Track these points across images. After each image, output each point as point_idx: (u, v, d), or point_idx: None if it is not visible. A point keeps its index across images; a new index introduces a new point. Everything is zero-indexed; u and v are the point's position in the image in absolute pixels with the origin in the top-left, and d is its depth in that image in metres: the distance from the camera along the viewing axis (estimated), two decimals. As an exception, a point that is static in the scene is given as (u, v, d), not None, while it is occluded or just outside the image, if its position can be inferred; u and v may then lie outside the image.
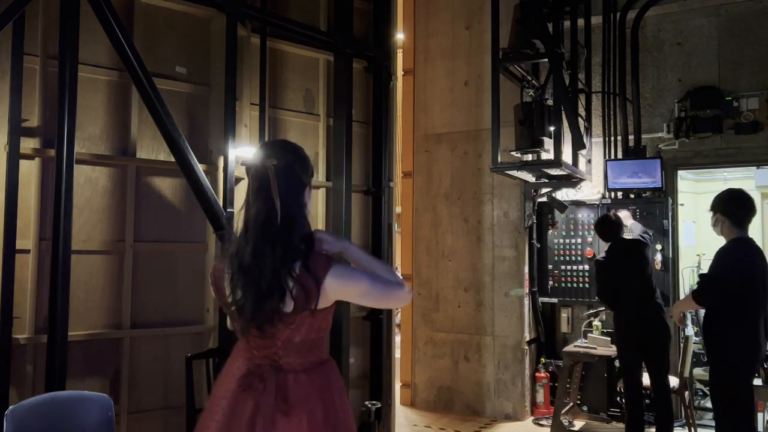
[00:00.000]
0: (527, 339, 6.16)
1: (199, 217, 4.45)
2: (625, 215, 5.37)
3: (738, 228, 3.70)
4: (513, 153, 5.39)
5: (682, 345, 5.28)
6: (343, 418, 1.86)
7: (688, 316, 5.98)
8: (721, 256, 3.70)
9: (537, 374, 6.21)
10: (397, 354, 6.15)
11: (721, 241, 3.82)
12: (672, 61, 6.00)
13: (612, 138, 6.16)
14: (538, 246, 6.30)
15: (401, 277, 1.85)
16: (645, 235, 5.06)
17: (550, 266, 6.25)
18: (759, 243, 3.86)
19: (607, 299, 4.86)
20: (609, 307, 5.00)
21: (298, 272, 1.74)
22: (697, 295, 3.76)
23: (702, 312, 5.79)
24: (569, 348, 5.61)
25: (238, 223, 1.84)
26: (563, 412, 5.55)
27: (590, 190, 6.24)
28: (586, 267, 6.06)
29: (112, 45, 4.00)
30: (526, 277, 6.21)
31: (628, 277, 4.77)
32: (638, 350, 4.73)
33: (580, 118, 5.85)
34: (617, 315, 4.85)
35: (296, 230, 1.79)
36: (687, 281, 6.09)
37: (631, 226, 5.22)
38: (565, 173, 5.53)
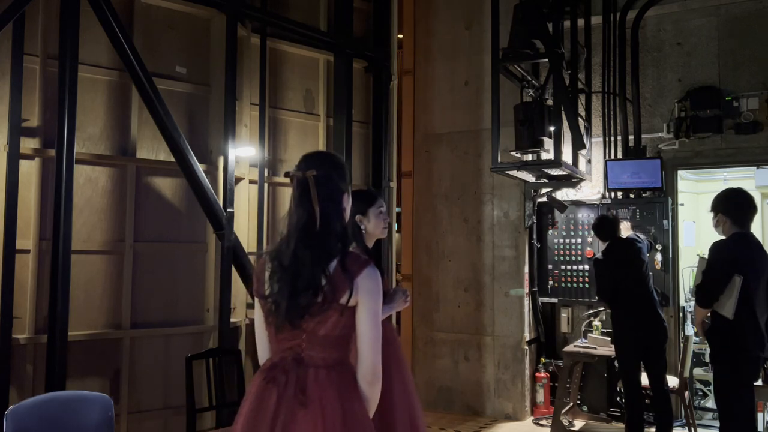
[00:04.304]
0: (527, 339, 6.16)
1: (199, 217, 4.45)
2: (625, 226, 5.36)
3: (739, 227, 3.71)
4: (513, 153, 5.38)
5: (682, 345, 5.28)
6: (363, 427, 1.88)
7: (688, 316, 5.99)
8: (714, 253, 3.70)
9: (537, 374, 6.21)
10: (397, 354, 6.13)
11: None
12: (672, 61, 5.99)
13: (612, 138, 6.16)
14: (538, 246, 6.29)
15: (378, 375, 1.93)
16: (639, 237, 5.09)
17: (550, 266, 6.25)
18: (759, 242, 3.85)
19: (607, 297, 4.87)
20: (608, 305, 5.00)
21: (332, 270, 1.88)
22: (698, 302, 3.76)
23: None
24: (569, 348, 5.61)
25: (282, 227, 2.00)
26: (563, 412, 5.55)
27: (590, 190, 6.24)
28: (586, 267, 6.05)
29: (112, 45, 4.01)
30: (526, 277, 6.21)
31: (625, 276, 4.77)
32: (636, 349, 4.73)
33: (580, 118, 5.85)
34: (615, 314, 4.85)
35: (333, 233, 1.93)
36: (687, 281, 6.09)
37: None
38: (565, 173, 5.53)
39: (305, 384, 1.86)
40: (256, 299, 2.03)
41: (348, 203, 2.05)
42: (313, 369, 1.88)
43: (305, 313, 1.87)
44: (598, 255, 5.01)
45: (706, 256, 3.79)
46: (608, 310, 5.36)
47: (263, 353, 2.04)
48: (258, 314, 2.04)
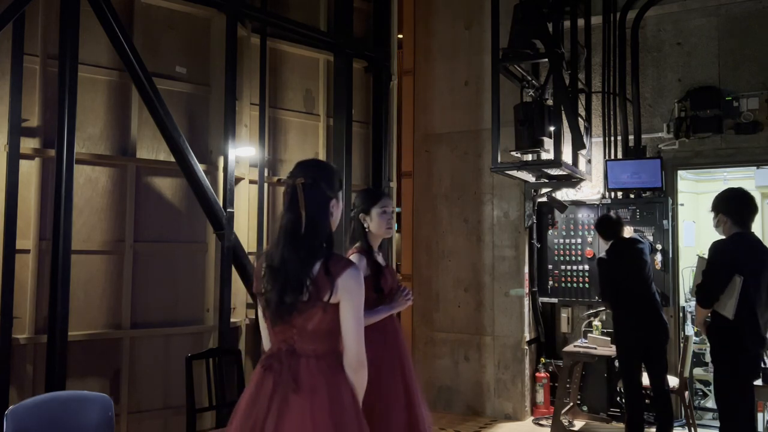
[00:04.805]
0: (527, 339, 6.16)
1: (199, 217, 4.45)
2: (627, 230, 5.35)
3: (739, 227, 3.70)
4: (513, 153, 5.38)
5: (682, 345, 5.28)
6: (349, 410, 2.05)
7: (688, 316, 5.99)
8: (714, 253, 3.70)
9: (537, 374, 6.21)
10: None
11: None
12: (672, 61, 5.99)
13: (612, 138, 6.16)
14: (538, 246, 6.29)
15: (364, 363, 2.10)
16: (642, 237, 5.10)
17: (550, 266, 6.25)
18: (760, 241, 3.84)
19: (610, 298, 4.85)
20: (611, 305, 4.97)
21: (316, 271, 2.06)
22: (699, 302, 3.76)
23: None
24: (569, 348, 5.61)
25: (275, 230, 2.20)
26: (563, 412, 5.55)
27: (590, 190, 6.24)
28: (586, 267, 6.06)
29: (112, 45, 4.01)
30: (526, 277, 6.21)
31: (627, 276, 4.77)
32: (637, 349, 4.72)
33: (580, 118, 5.85)
34: (616, 314, 4.85)
35: (318, 237, 2.11)
36: (687, 281, 6.09)
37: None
38: (565, 173, 5.53)
39: (297, 372, 2.05)
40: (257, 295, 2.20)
41: (337, 209, 2.21)
42: (304, 359, 2.07)
43: (293, 310, 2.05)
44: (602, 255, 4.99)
45: (706, 256, 3.79)
46: (609, 311, 5.35)
47: (266, 344, 2.25)
48: (259, 309, 2.23)
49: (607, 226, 4.94)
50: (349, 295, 2.05)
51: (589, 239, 6.06)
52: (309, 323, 2.06)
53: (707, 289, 3.69)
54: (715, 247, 3.71)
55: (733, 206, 3.72)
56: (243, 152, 4.76)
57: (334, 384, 2.05)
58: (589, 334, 5.68)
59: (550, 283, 6.23)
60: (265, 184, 4.98)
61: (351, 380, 2.08)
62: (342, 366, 2.08)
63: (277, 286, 2.07)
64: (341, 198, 2.25)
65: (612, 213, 5.10)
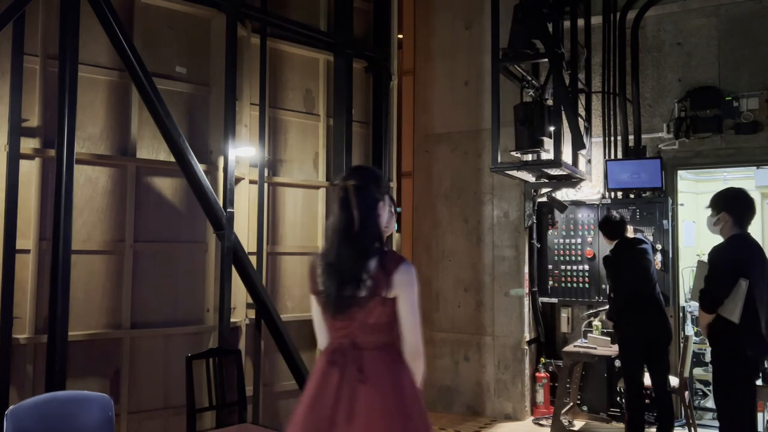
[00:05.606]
0: (527, 339, 6.16)
1: (199, 217, 4.45)
2: (630, 231, 5.35)
3: (739, 227, 3.69)
4: (513, 153, 5.39)
5: (682, 345, 5.28)
6: (411, 395, 2.21)
7: (688, 316, 5.99)
8: (717, 257, 3.67)
9: (537, 374, 6.21)
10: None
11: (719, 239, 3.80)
12: (672, 61, 6.00)
13: (612, 138, 6.16)
14: (538, 246, 6.30)
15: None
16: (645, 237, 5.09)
17: (550, 266, 6.25)
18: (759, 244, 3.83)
19: (621, 304, 4.77)
20: (616, 313, 4.88)
21: (372, 266, 2.20)
22: (703, 307, 3.71)
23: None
24: (569, 348, 5.61)
25: (327, 230, 2.37)
26: (563, 412, 5.55)
27: (590, 190, 6.24)
28: (586, 267, 6.06)
29: (112, 45, 4.00)
30: (526, 277, 6.21)
31: (632, 275, 4.76)
32: (640, 349, 4.72)
33: (580, 118, 5.85)
34: (620, 314, 4.82)
35: (369, 235, 2.26)
36: (687, 281, 6.09)
37: None
38: (565, 173, 5.53)
39: (362, 364, 2.20)
40: (312, 296, 2.36)
41: (384, 210, 2.35)
42: (367, 351, 2.22)
43: (352, 304, 2.20)
44: (608, 253, 4.97)
45: (706, 260, 3.76)
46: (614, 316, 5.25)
47: (322, 340, 2.39)
48: (315, 308, 2.38)
49: (612, 225, 4.93)
50: (404, 289, 2.20)
51: (589, 239, 6.06)
52: (370, 317, 2.20)
53: (712, 294, 3.62)
54: (717, 251, 3.67)
55: (737, 206, 3.69)
56: (243, 152, 4.75)
57: (396, 372, 2.21)
58: (589, 334, 5.69)
59: (550, 283, 6.23)
60: (265, 184, 4.98)
61: (410, 367, 2.24)
62: (400, 354, 2.23)
63: (335, 282, 2.22)
64: (387, 201, 2.40)
65: (615, 213, 5.11)
